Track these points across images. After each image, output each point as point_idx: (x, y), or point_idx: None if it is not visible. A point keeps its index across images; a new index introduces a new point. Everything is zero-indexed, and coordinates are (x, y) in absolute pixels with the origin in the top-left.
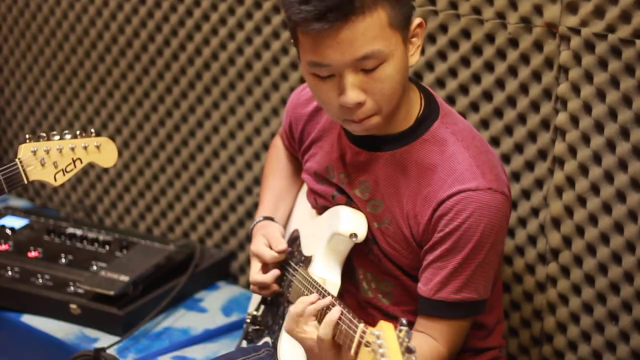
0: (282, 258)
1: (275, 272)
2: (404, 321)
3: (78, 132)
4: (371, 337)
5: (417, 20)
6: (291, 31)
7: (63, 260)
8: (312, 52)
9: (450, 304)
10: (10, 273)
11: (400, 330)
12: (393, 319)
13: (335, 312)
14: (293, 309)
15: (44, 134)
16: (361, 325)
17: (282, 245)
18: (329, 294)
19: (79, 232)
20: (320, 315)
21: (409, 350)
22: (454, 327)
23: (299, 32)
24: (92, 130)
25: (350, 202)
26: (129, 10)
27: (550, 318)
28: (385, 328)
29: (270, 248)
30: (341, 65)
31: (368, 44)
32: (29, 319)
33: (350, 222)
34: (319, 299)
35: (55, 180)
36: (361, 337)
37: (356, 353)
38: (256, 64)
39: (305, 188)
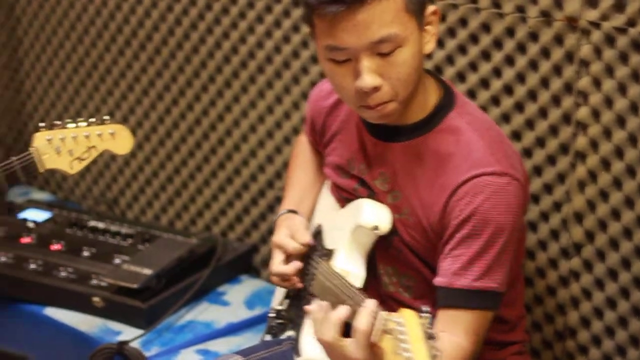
0: (305, 250)
1: (296, 264)
2: (425, 308)
3: (93, 120)
4: (392, 324)
5: (431, 8)
6: (307, 18)
7: (86, 253)
8: (328, 36)
9: (470, 292)
10: (33, 266)
11: (422, 317)
12: None
13: (371, 300)
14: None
15: (58, 122)
16: (383, 313)
17: (306, 237)
18: (352, 285)
19: (101, 225)
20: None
21: (430, 337)
22: (475, 319)
23: (314, 17)
24: (107, 117)
25: (372, 195)
26: (149, 4)
27: (573, 313)
28: (406, 315)
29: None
30: (357, 49)
31: (384, 27)
32: (52, 312)
33: (373, 214)
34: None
35: (71, 168)
36: (383, 324)
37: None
38: (276, 57)
39: (329, 182)
